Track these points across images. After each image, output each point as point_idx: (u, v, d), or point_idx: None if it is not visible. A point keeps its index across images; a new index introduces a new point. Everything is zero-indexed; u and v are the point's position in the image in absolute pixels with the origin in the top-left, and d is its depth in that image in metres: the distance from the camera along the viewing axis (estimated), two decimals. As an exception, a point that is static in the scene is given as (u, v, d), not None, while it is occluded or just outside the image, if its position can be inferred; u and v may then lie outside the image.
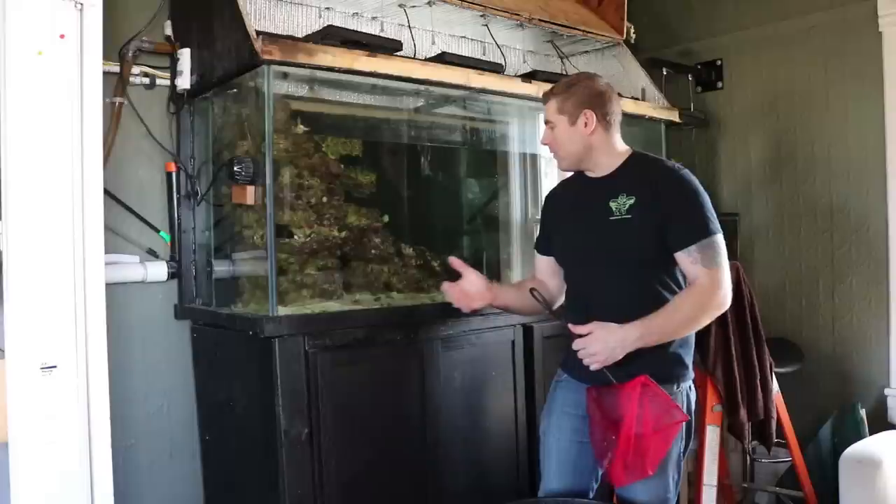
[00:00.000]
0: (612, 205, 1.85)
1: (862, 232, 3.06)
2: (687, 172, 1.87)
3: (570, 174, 2.04)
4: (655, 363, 1.81)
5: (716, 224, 1.80)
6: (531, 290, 1.97)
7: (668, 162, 1.94)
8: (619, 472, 1.77)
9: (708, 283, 1.77)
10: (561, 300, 2.09)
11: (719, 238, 1.80)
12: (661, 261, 1.83)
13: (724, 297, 1.80)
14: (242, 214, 2.26)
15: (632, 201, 1.83)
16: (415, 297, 2.52)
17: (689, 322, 1.80)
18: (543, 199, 2.24)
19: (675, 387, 1.85)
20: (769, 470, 3.06)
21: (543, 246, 2.11)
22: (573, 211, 1.99)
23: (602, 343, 1.75)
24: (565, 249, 2.01)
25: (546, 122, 1.95)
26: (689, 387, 1.91)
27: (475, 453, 2.35)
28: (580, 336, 1.79)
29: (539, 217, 2.19)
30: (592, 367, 1.77)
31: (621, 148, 1.94)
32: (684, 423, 1.85)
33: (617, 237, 1.84)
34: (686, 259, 1.79)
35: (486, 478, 2.37)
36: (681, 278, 1.87)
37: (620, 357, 1.75)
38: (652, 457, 1.74)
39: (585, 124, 1.88)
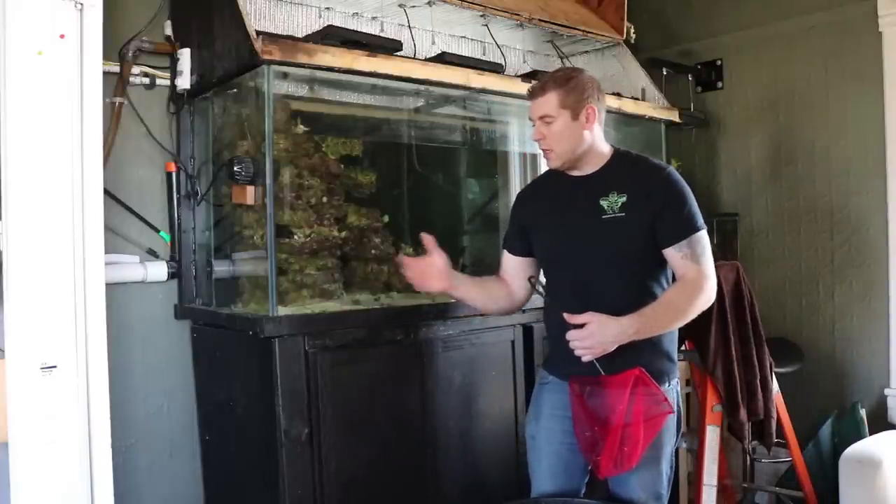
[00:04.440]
0: (604, 203, 1.85)
1: (862, 232, 3.06)
2: (673, 170, 1.89)
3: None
4: (647, 359, 1.82)
5: (702, 220, 1.85)
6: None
7: (654, 159, 1.95)
8: (608, 465, 1.77)
9: (698, 277, 1.80)
10: (523, 300, 2.07)
11: (705, 233, 1.84)
12: (652, 257, 1.85)
13: (712, 290, 1.83)
14: (242, 214, 2.26)
15: (623, 199, 1.83)
16: (415, 297, 2.51)
17: (682, 315, 1.82)
18: (514, 198, 2.16)
19: (666, 384, 1.87)
20: (769, 470, 3.06)
21: (516, 246, 2.05)
22: (557, 210, 1.95)
23: (599, 336, 1.73)
24: (552, 249, 1.97)
25: (541, 118, 1.86)
26: (677, 382, 1.94)
27: (475, 453, 2.35)
28: (575, 327, 1.76)
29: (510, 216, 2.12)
30: (584, 359, 1.76)
31: (606, 146, 1.94)
32: (675, 419, 1.87)
33: (610, 235, 1.84)
34: (676, 254, 1.82)
35: (485, 477, 2.36)
36: (669, 274, 1.88)
37: (612, 350, 1.75)
38: (640, 448, 1.75)
39: (587, 119, 1.85)
